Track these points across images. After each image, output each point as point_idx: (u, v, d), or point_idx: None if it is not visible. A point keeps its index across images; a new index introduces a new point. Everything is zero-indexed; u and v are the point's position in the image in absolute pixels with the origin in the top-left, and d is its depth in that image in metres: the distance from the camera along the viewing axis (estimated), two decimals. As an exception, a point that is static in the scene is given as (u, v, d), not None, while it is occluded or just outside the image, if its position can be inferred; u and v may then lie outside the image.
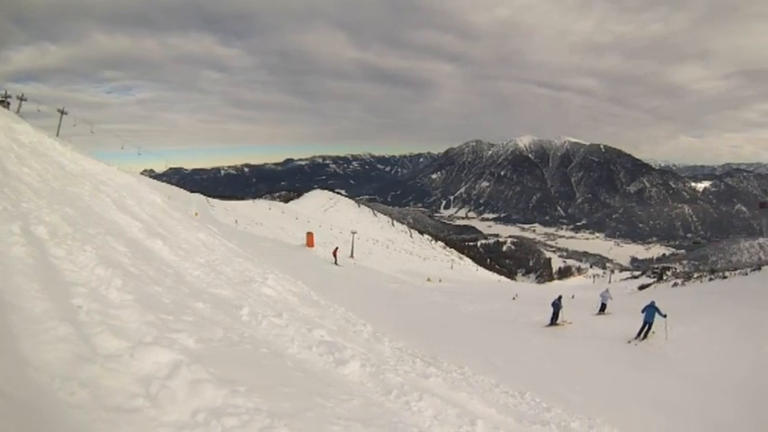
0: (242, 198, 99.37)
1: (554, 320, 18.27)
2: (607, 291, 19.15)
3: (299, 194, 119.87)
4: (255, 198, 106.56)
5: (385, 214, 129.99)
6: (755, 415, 10.09)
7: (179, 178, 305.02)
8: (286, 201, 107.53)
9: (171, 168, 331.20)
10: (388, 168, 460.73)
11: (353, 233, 52.53)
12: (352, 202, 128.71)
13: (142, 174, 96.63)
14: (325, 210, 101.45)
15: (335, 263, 30.88)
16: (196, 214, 33.56)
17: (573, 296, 38.39)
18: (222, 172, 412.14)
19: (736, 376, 12.47)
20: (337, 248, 33.65)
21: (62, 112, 25.93)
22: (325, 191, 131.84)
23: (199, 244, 12.00)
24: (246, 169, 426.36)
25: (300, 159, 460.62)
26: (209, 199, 72.66)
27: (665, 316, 15.14)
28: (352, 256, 44.74)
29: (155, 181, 65.75)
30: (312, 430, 3.45)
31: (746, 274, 44.78)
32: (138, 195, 12.63)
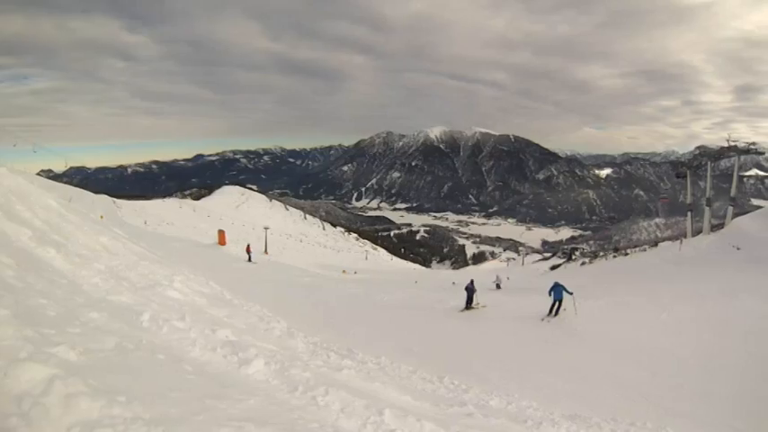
0: (151, 197, 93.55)
1: (469, 304, 18.69)
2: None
3: (211, 191, 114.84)
4: (165, 197, 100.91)
5: (297, 208, 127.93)
6: (657, 375, 10.97)
7: (81, 178, 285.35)
8: (197, 198, 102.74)
9: (72, 167, 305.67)
10: (299, 162, 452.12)
11: (266, 229, 51.63)
12: (264, 197, 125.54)
13: (39, 174, 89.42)
14: (236, 206, 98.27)
15: (249, 260, 30.19)
16: (101, 217, 31.44)
17: (508, 278, 39.77)
18: (129, 170, 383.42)
19: (639, 342, 13.53)
20: (250, 245, 32.94)
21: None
22: (237, 186, 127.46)
23: (100, 249, 11.16)
24: (155, 166, 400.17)
25: (211, 155, 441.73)
26: (116, 200, 68.01)
27: (571, 293, 15.97)
28: (266, 252, 43.96)
29: (52, 182, 61.12)
30: (198, 434, 3.32)
31: (645, 250, 48.46)
32: (30, 200, 11.55)
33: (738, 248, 31.55)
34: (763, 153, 52.71)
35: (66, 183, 76.62)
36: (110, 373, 3.78)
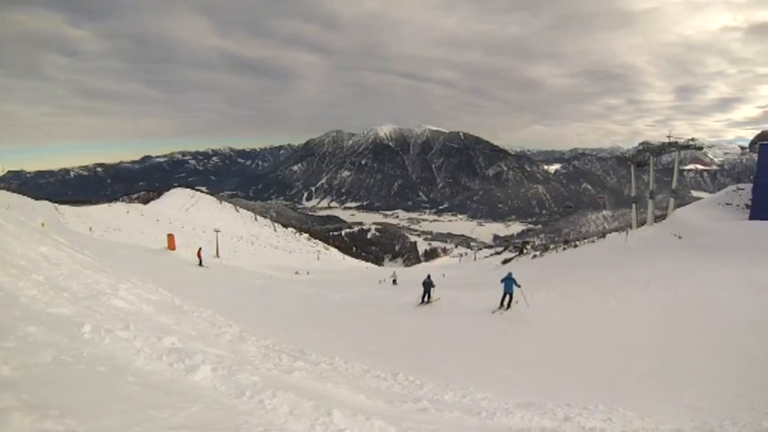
0: (96, 202, 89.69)
1: (427, 298, 18.98)
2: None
3: (159, 194, 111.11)
4: (112, 201, 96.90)
5: (248, 210, 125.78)
6: (608, 360, 11.39)
7: (20, 183, 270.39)
8: (145, 202, 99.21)
9: (9, 172, 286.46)
10: (249, 162, 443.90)
11: (217, 231, 50.62)
12: (214, 198, 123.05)
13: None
14: (186, 209, 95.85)
15: (200, 264, 29.51)
16: (42, 225, 30.07)
17: (444, 275, 40.32)
18: (72, 173, 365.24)
19: (590, 330, 13.98)
20: (201, 249, 32.25)
21: None
22: (186, 189, 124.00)
23: (40, 259, 10.73)
24: (99, 169, 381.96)
25: (159, 156, 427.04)
26: (58, 206, 64.82)
27: (519, 286, 16.24)
28: (217, 255, 43.10)
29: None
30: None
31: (593, 241, 50.09)
32: (-42, 209, 10.99)
33: (680, 237, 32.92)
34: (701, 148, 55.70)
35: (2, 188, 72.72)
36: (45, 388, 3.65)
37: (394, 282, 32.84)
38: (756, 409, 8.21)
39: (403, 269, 79.17)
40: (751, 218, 32.10)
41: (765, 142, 33.88)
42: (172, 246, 35.83)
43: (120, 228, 55.67)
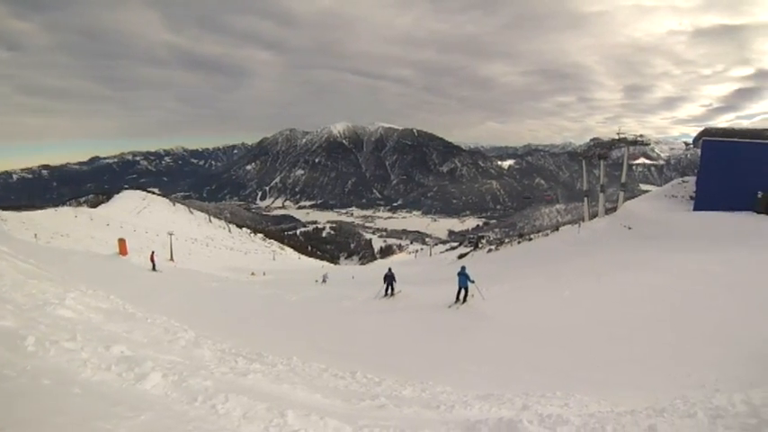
0: (42, 207, 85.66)
1: (391, 291, 19.39)
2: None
3: (109, 197, 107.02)
4: (58, 205, 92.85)
5: (202, 211, 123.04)
6: (565, 348, 11.81)
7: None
8: (94, 205, 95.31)
9: None
10: (202, 162, 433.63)
11: (171, 234, 49.68)
12: (167, 200, 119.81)
13: None
14: (138, 212, 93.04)
15: (153, 269, 28.75)
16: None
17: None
18: (14, 176, 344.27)
19: (546, 320, 14.44)
20: (154, 252, 31.43)
21: None
22: (137, 191, 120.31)
23: (-22, 271, 10.29)
24: (45, 171, 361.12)
25: (108, 157, 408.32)
26: (0, 211, 62.11)
27: (472, 281, 16.49)
28: (171, 259, 42.25)
29: None
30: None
31: (547, 234, 51.29)
32: None
33: (629, 228, 34.18)
34: (648, 144, 58.35)
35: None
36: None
37: (324, 281, 34.29)
38: (707, 386, 8.60)
39: (359, 267, 79.34)
40: (695, 209, 33.75)
41: (708, 138, 35.73)
42: (123, 251, 34.75)
43: (68, 234, 53.70)
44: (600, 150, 53.32)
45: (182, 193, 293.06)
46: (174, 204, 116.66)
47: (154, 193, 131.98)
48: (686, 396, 7.02)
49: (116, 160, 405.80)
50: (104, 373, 5.14)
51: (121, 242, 35.93)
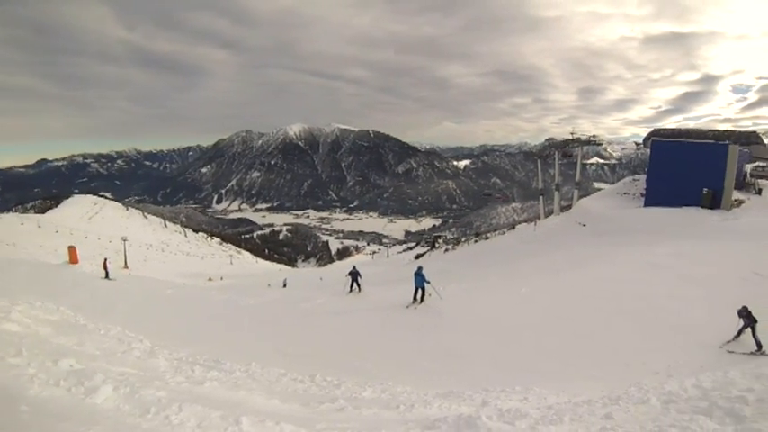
0: None
1: (357, 288, 20.34)
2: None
3: (58, 202, 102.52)
4: (3, 212, 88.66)
5: (156, 215, 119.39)
6: (522, 345, 12.14)
7: None
8: (43, 211, 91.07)
9: None
10: (156, 165, 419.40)
11: (124, 240, 48.28)
12: (120, 205, 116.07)
13: None
14: (89, 217, 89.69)
15: (106, 277, 27.84)
16: None
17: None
18: None
19: (504, 316, 14.82)
20: (107, 260, 30.42)
21: None
22: (89, 195, 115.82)
23: None
24: None
25: (57, 160, 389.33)
26: (-61, 220, 58.89)
27: (428, 282, 16.63)
28: (125, 266, 41.08)
29: None
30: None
31: (504, 233, 52.11)
32: None
33: (584, 225, 35.12)
34: (601, 144, 60.56)
35: None
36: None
37: (284, 285, 34.54)
38: (661, 373, 8.97)
39: (318, 269, 78.92)
40: (645, 205, 35.11)
41: (657, 139, 37.56)
42: (74, 259, 33.57)
43: (14, 242, 51.32)
44: (566, 148, 54.71)
45: (135, 197, 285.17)
46: (128, 209, 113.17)
47: (106, 197, 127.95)
48: (641, 383, 7.32)
49: (65, 163, 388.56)
50: (53, 389, 5.00)
51: (72, 250, 34.70)
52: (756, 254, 20.05)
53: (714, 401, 4.92)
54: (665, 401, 5.40)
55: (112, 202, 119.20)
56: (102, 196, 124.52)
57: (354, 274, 21.14)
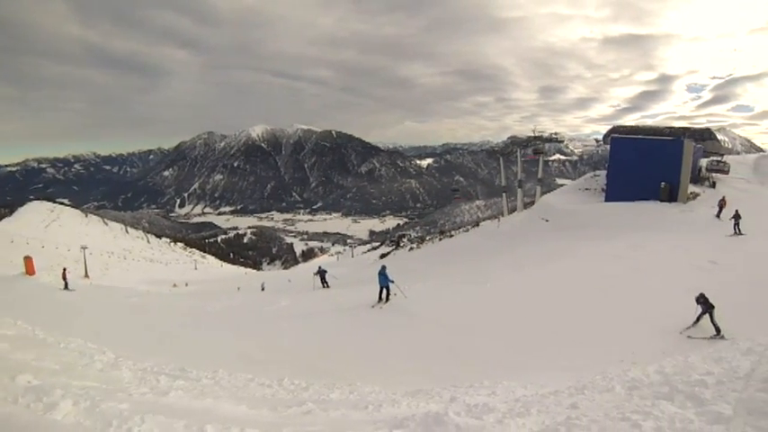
0: None
1: (325, 284, 22.48)
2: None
3: (12, 210, 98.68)
4: None
5: (117, 221, 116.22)
6: (488, 339, 12.42)
7: None
8: None
9: None
10: (116, 169, 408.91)
11: (84, 248, 46.83)
12: (78, 211, 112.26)
13: None
14: (46, 225, 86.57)
15: (66, 287, 27.05)
16: None
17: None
18: None
19: (470, 313, 15.02)
20: (66, 270, 29.53)
21: None
22: (45, 202, 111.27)
23: None
24: None
25: (9, 165, 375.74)
26: None
27: (392, 281, 16.83)
28: (86, 275, 40.00)
29: None
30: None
31: (468, 230, 52.58)
32: None
33: (547, 220, 35.80)
34: (562, 141, 62.14)
35: None
36: None
37: (262, 289, 34.25)
38: (625, 360, 9.26)
39: (283, 272, 78.35)
40: (606, 200, 36.19)
41: (616, 136, 38.78)
42: (30, 270, 32.53)
43: (-35, 254, 49.44)
44: (537, 146, 55.62)
45: (94, 203, 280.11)
46: (87, 216, 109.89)
47: (63, 203, 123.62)
48: (606, 372, 7.56)
49: (19, 168, 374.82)
50: (11, 406, 4.87)
51: (28, 260, 33.61)
52: (711, 243, 21.05)
53: (675, 386, 5.08)
54: (629, 388, 5.59)
55: (70, 208, 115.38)
56: (59, 203, 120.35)
57: (322, 273, 23.69)
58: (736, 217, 22.51)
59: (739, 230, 22.28)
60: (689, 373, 5.48)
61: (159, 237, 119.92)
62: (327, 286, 23.66)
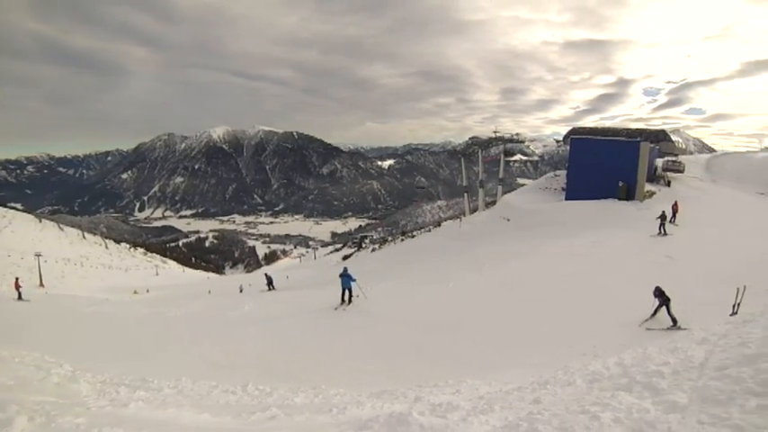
0: None
1: (271, 287, 27.12)
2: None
3: None
4: None
5: (73, 227, 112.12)
6: (452, 339, 12.61)
7: None
8: None
9: None
10: (72, 171, 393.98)
11: (38, 256, 45.20)
12: (32, 216, 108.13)
13: None
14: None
15: (19, 298, 26.14)
16: None
17: (287, 276, 40.37)
18: None
19: (432, 312, 15.31)
20: (19, 279, 28.49)
21: None
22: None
23: None
24: None
25: None
26: None
27: (354, 280, 16.93)
28: (41, 284, 38.66)
29: None
30: None
31: (430, 230, 53.09)
32: None
33: (508, 220, 36.48)
34: (523, 142, 63.68)
35: None
36: None
37: (240, 291, 33.89)
38: (587, 354, 9.55)
39: (245, 275, 77.49)
40: (566, 198, 37.20)
41: (575, 137, 40.15)
42: (-19, 279, 31.44)
43: None
44: (507, 146, 56.56)
45: (49, 208, 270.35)
46: (41, 221, 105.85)
47: (15, 208, 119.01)
48: (568, 366, 7.74)
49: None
50: (-37, 426, 4.74)
51: (-22, 270, 32.48)
52: (666, 239, 21.82)
53: (633, 377, 5.23)
54: (590, 381, 5.75)
55: (23, 213, 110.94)
56: (10, 207, 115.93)
57: (269, 279, 28.51)
58: (662, 218, 23.43)
59: (665, 231, 23.20)
60: (646, 364, 5.65)
61: (118, 242, 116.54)
62: (273, 288, 28.21)
